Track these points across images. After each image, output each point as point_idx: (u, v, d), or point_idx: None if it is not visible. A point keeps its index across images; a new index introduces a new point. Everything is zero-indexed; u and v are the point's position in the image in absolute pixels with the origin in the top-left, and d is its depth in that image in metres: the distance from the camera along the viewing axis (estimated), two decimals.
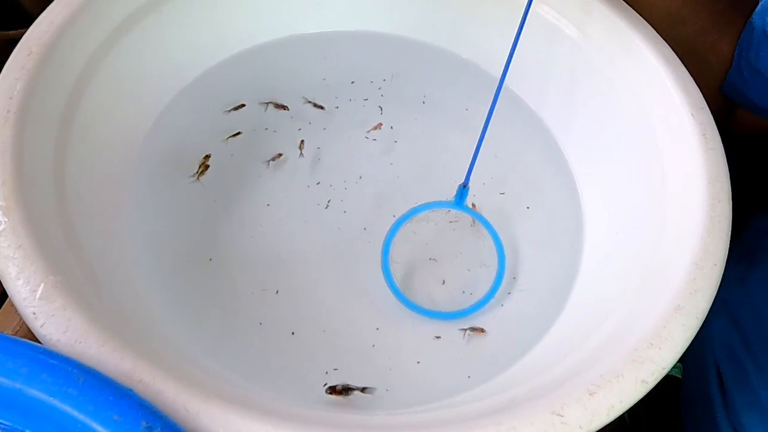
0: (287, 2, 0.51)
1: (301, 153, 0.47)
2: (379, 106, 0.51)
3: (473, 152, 0.41)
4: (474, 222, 0.45)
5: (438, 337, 0.40)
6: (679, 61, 0.41)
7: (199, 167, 0.44)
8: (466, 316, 0.41)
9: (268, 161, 0.46)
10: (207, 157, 0.45)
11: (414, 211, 0.43)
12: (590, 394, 0.28)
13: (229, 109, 0.48)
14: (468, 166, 0.41)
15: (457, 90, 0.52)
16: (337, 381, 0.37)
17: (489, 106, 0.52)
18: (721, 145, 0.38)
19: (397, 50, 0.53)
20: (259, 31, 0.51)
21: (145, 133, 0.44)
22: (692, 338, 0.30)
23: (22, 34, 0.36)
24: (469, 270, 0.43)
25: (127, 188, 0.41)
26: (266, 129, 0.48)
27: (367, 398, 0.37)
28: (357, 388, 0.36)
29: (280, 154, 0.46)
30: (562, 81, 0.48)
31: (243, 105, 0.47)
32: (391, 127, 0.49)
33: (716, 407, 0.46)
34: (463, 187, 0.42)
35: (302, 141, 0.47)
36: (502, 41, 0.51)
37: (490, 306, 0.42)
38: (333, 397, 0.35)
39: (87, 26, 0.38)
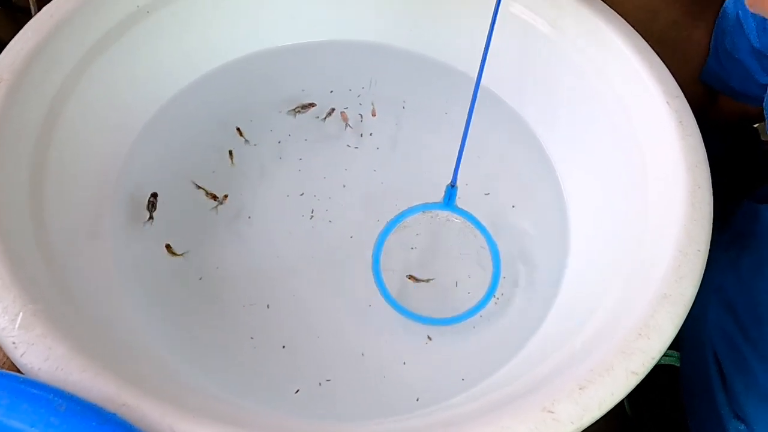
0: (260, 16, 0.51)
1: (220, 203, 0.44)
2: (359, 114, 0.51)
3: (458, 152, 0.40)
4: (465, 222, 0.43)
5: (430, 339, 0.40)
6: (652, 52, 0.41)
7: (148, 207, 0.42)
8: (462, 321, 0.40)
9: (215, 207, 0.44)
10: (154, 195, 0.43)
11: (403, 215, 0.42)
12: (581, 389, 0.27)
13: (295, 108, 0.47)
14: (454, 166, 0.41)
15: (436, 93, 0.52)
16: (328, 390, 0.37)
17: (468, 107, 0.52)
18: (698, 131, 0.38)
19: (373, 57, 0.53)
20: (233, 47, 0.51)
21: (123, 156, 0.44)
22: (680, 326, 0.30)
23: None
24: (465, 273, 0.42)
25: (107, 214, 0.41)
26: (246, 142, 0.48)
27: (361, 406, 0.37)
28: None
29: (226, 196, 0.45)
30: (540, 79, 0.48)
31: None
32: (371, 134, 0.49)
33: (716, 392, 0.46)
34: (452, 187, 0.42)
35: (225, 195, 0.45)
36: (476, 42, 0.51)
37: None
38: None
39: (58, 52, 0.38)
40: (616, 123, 0.41)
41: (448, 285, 0.42)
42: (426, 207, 0.43)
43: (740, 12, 0.47)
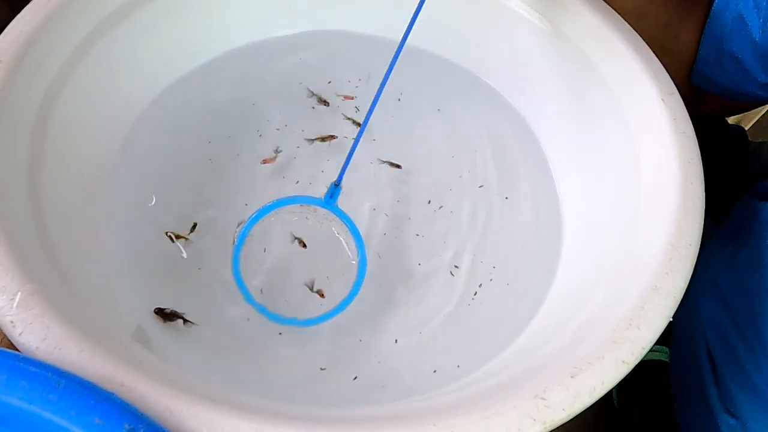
0: (259, 6, 0.51)
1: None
2: (355, 107, 0.51)
3: (350, 149, 0.38)
4: (341, 224, 0.42)
5: (424, 329, 0.40)
6: (648, 49, 0.42)
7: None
8: (322, 322, 0.40)
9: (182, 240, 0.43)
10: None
11: (275, 205, 0.40)
12: (572, 377, 0.28)
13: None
14: (344, 163, 0.39)
15: (431, 87, 0.52)
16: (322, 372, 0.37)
17: (463, 103, 0.52)
18: (692, 128, 0.38)
19: (371, 49, 0.53)
20: (232, 36, 0.51)
21: (120, 141, 0.44)
22: (670, 317, 0.31)
23: None
24: (325, 274, 0.41)
25: (105, 198, 0.41)
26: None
27: (356, 393, 0.37)
28: (182, 316, 0.36)
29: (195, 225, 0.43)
30: (536, 73, 0.49)
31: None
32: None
33: (708, 388, 0.46)
34: (335, 186, 0.40)
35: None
36: (474, 37, 0.52)
37: (476, 294, 0.42)
38: (159, 319, 0.36)
39: (57, 35, 0.38)
40: (611, 118, 0.42)
41: (319, 285, 0.41)
42: (303, 200, 0.41)
43: (741, 7, 0.46)
